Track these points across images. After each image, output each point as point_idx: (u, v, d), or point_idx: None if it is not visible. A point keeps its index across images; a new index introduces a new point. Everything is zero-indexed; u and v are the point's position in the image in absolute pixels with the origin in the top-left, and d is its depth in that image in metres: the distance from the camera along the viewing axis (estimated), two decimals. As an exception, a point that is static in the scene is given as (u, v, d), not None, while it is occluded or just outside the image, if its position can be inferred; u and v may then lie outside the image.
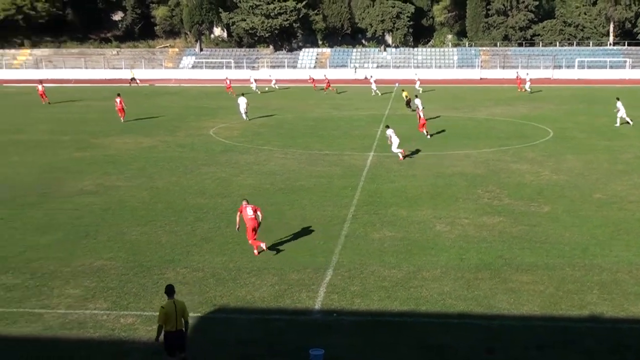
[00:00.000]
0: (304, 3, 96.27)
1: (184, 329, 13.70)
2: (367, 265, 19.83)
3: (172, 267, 19.72)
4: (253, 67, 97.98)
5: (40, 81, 68.29)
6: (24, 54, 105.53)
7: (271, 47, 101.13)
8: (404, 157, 35.08)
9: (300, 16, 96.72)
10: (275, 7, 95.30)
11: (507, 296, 17.65)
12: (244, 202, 21.05)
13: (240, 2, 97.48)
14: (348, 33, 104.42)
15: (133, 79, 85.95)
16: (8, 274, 19.10)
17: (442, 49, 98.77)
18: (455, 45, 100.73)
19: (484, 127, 46.34)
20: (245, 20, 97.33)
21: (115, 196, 27.89)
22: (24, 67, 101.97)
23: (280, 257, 20.51)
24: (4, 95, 71.00)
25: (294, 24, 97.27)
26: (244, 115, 50.35)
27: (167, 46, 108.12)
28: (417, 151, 36.82)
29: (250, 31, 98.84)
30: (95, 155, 37.03)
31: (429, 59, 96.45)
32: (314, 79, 77.35)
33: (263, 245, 20.60)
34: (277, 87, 77.43)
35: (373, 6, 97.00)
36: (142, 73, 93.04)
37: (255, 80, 75.57)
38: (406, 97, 56.41)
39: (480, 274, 19.15)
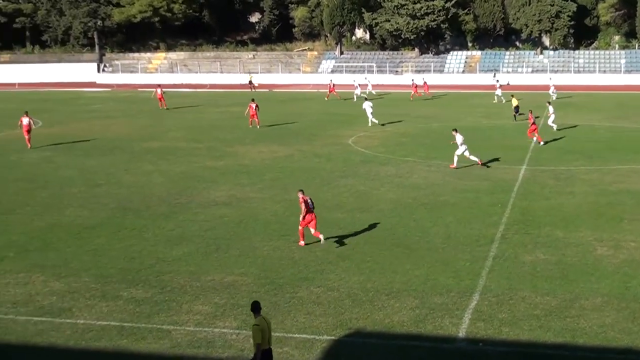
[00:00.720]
0: (453, 2, 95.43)
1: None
2: (517, 291, 19.39)
3: (306, 286, 19.99)
4: (396, 71, 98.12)
5: (159, 85, 71.26)
6: (159, 58, 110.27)
7: (416, 49, 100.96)
8: (482, 164, 35.92)
9: (448, 16, 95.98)
10: (422, 7, 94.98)
11: (679, 332, 16.78)
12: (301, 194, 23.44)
13: (384, 1, 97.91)
14: (500, 34, 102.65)
15: (250, 83, 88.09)
16: (138, 287, 19.97)
17: (607, 52, 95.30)
18: (622, 47, 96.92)
19: (656, 139, 44.35)
20: (389, 20, 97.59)
21: (248, 208, 28.63)
22: (159, 71, 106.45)
23: (422, 279, 20.39)
24: (139, 100, 74.48)
25: (441, 25, 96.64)
26: (373, 120, 51.64)
27: (305, 49, 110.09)
28: (495, 159, 35.70)
29: (394, 33, 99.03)
30: (229, 164, 38.18)
31: (592, 62, 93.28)
32: (416, 85, 76.50)
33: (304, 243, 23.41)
34: (374, 93, 77.12)
35: (529, 4, 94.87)
36: (279, 78, 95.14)
37: (361, 86, 75.64)
38: (515, 104, 54.85)
39: (648, 305, 18.32)
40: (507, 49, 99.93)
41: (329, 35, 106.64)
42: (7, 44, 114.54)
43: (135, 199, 30.25)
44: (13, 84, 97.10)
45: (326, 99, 73.03)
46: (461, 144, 35.89)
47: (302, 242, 23.51)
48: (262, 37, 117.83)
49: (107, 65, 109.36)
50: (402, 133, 48.80)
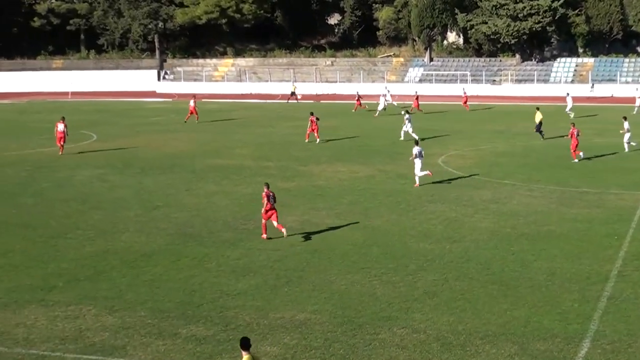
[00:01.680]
0: (561, 1, 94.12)
1: None
2: (638, 337, 18.93)
3: (388, 326, 19.88)
4: (494, 80, 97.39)
5: (194, 95, 72.50)
6: (227, 64, 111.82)
7: (517, 56, 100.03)
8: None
9: (556, 17, 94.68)
10: (525, 7, 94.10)
11: None
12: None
13: (480, 1, 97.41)
14: (618, 38, 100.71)
15: (293, 94, 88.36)
16: (199, 324, 20.16)
17: None
18: None
19: None
20: (486, 22, 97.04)
21: (324, 236, 28.67)
22: (226, 79, 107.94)
23: (522, 321, 20.07)
24: (203, 113, 75.46)
25: (547, 27, 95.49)
26: (410, 134, 52.31)
27: (390, 55, 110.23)
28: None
29: (492, 36, 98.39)
30: (302, 185, 38.38)
31: None
32: (466, 96, 76.59)
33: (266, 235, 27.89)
34: (395, 104, 77.13)
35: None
36: (361, 87, 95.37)
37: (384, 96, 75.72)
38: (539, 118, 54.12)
39: None
40: (625, 56, 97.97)
41: (417, 39, 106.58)
42: (60, 48, 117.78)
43: (197, 224, 30.62)
44: (66, 93, 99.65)
45: (354, 110, 73.64)
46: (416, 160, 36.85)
47: (264, 236, 28.08)
48: (342, 41, 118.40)
49: (169, 72, 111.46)
50: (500, 152, 48.31)
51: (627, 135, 47.69)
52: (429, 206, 33.38)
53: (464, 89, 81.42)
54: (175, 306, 21.42)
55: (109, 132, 60.76)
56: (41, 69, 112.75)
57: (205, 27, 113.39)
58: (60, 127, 48.68)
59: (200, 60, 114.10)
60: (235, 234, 29.01)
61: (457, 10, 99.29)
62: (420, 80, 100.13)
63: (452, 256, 25.80)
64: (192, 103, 67.91)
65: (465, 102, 76.03)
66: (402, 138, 53.44)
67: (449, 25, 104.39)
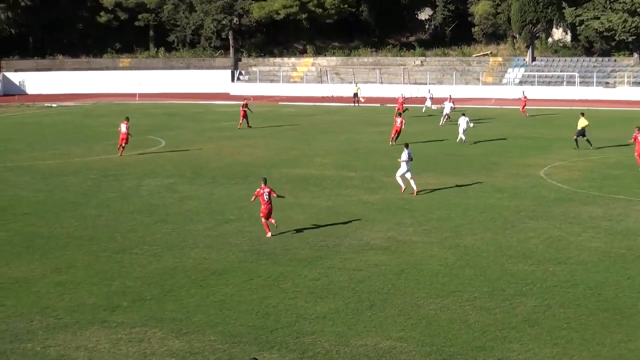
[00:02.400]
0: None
1: None
2: None
3: (482, 357, 19.72)
4: (607, 83, 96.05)
5: (245, 99, 73.11)
6: (306, 64, 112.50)
7: (635, 55, 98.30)
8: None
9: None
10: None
11: None
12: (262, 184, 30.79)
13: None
14: None
15: (356, 96, 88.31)
16: (273, 350, 20.27)
17: None
18: None
19: None
20: (598, 18, 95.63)
21: (411, 255, 28.58)
22: (305, 80, 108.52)
23: (639, 354, 19.70)
24: (281, 117, 76.07)
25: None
26: (462, 136, 56.02)
27: (487, 54, 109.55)
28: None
29: (605, 33, 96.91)
30: (389, 198, 38.31)
31: None
32: (526, 99, 76.89)
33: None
34: (434, 108, 77.69)
35: None
36: (454, 90, 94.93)
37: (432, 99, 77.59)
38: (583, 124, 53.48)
39: None
40: None
41: (517, 36, 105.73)
42: (128, 45, 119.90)
43: (272, 240, 30.80)
44: (133, 95, 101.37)
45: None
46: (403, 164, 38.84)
47: (268, 234, 30.82)
48: (433, 38, 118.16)
49: (243, 72, 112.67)
50: (613, 163, 47.58)
51: None
52: (529, 223, 33.01)
53: (523, 92, 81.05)
54: (248, 330, 21.55)
55: (178, 138, 61.62)
56: (107, 68, 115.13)
57: (284, 22, 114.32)
58: (123, 128, 49.96)
59: (278, 60, 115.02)
60: (313, 252, 29.09)
61: (564, 4, 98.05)
62: (521, 82, 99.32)
63: (556, 280, 25.46)
64: (243, 108, 68.37)
65: (524, 107, 75.92)
66: (464, 139, 56.43)
67: (554, 21, 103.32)
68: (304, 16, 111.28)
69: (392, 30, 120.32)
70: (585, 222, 33.03)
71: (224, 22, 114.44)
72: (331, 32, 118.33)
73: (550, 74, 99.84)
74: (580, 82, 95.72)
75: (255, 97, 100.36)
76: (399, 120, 56.24)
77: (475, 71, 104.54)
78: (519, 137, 58.13)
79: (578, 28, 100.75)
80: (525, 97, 77.34)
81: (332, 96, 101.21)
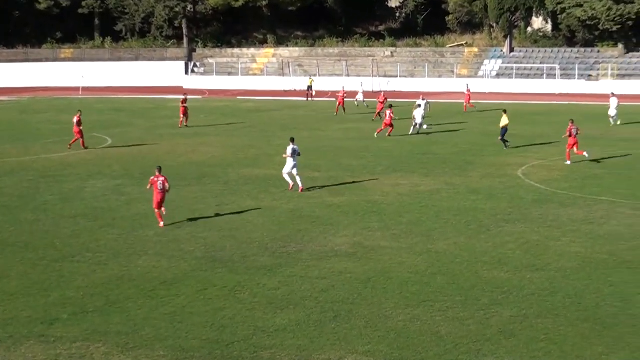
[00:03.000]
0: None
1: None
2: None
3: (454, 372, 19.82)
4: (589, 75, 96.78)
5: (185, 94, 71.17)
6: (266, 55, 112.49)
7: (620, 46, 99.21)
8: None
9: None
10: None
11: None
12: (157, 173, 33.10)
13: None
14: None
15: (310, 89, 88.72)
16: (228, 366, 20.25)
17: None
18: None
19: None
20: (581, 5, 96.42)
21: (378, 262, 28.60)
22: (266, 72, 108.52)
23: (618, 369, 19.89)
24: (239, 113, 75.88)
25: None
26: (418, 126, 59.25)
27: (461, 44, 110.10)
28: None
29: (588, 22, 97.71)
30: (354, 200, 38.36)
31: None
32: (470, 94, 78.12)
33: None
34: (366, 105, 78.78)
35: None
36: (426, 83, 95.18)
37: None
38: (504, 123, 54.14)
39: None
40: None
41: (494, 25, 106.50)
42: (71, 35, 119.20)
43: (228, 246, 30.73)
44: (77, 89, 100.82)
45: (335, 113, 74.62)
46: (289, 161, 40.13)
47: (161, 224, 33.24)
48: (404, 28, 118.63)
49: (198, 64, 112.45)
50: (595, 163, 47.85)
51: None
52: (505, 227, 33.17)
53: (467, 85, 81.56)
54: (201, 344, 21.48)
55: (126, 136, 61.38)
56: (47, 59, 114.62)
57: (242, 10, 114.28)
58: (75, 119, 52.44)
59: (236, 50, 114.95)
60: (274, 259, 29.05)
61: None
62: (498, 75, 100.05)
63: (534, 288, 25.58)
64: (183, 104, 66.74)
65: (469, 101, 77.02)
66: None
67: (534, 9, 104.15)
68: (264, 3, 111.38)
69: (359, 19, 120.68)
70: (565, 226, 33.21)
71: (176, 9, 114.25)
72: (294, 20, 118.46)
73: (529, 65, 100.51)
74: (561, 75, 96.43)
75: (211, 91, 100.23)
76: (388, 112, 58.99)
77: (449, 63, 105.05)
78: (495, 134, 58.43)
79: (559, 16, 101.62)
80: (469, 90, 78.24)
81: (295, 90, 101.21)
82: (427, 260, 28.71)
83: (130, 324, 22.87)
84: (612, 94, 69.35)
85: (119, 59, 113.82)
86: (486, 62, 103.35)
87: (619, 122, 66.06)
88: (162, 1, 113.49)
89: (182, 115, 67.05)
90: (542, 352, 20.81)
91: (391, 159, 49.68)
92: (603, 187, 40.71)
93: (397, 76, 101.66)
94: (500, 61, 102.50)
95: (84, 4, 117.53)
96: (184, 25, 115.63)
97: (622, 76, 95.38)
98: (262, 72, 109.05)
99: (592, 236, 31.62)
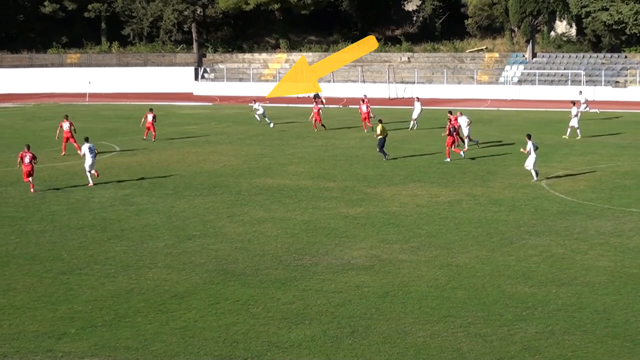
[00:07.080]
0: None
1: None
2: None
3: (477, 390, 19.78)
4: (616, 82, 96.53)
5: (151, 110, 65.11)
6: (279, 60, 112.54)
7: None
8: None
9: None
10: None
11: None
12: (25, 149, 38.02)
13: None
14: None
15: (317, 97, 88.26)
16: (242, 383, 20.26)
17: None
18: None
19: None
20: (607, 9, 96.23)
21: (397, 275, 28.60)
22: (278, 78, 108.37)
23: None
24: (251, 120, 75.88)
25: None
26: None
27: (481, 49, 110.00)
28: None
29: (614, 27, 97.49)
30: (371, 212, 38.35)
31: None
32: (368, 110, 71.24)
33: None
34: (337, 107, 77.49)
35: None
36: (443, 90, 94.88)
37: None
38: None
39: None
40: None
41: (516, 29, 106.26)
42: (77, 39, 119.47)
43: (241, 259, 30.77)
44: (83, 95, 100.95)
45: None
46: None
47: (32, 190, 41.09)
48: (422, 32, 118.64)
49: (208, 69, 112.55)
50: (624, 172, 47.76)
51: None
52: (529, 240, 33.11)
53: (365, 95, 75.76)
54: (213, 360, 21.53)
55: (134, 144, 61.48)
56: (52, 65, 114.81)
57: (254, 14, 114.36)
58: (65, 126, 52.43)
59: (247, 55, 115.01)
60: (288, 272, 29.07)
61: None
62: (520, 81, 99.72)
63: (560, 303, 25.54)
64: (150, 118, 63.11)
65: (368, 115, 68.41)
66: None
67: (558, 13, 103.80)
68: (276, 7, 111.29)
69: (375, 23, 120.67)
70: (592, 238, 33.13)
71: (186, 13, 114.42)
72: (307, 24, 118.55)
73: (552, 71, 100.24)
74: (586, 81, 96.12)
75: (222, 98, 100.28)
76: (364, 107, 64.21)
77: (468, 69, 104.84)
78: (518, 142, 58.30)
79: (584, 21, 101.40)
80: (367, 101, 70.13)
81: (309, 96, 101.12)
82: (448, 274, 28.69)
83: (140, 339, 22.91)
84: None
85: (127, 64, 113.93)
86: (507, 67, 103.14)
87: None
88: (170, 4, 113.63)
89: (150, 130, 63.36)
90: (569, 370, 20.81)
91: (409, 168, 49.63)
92: (632, 198, 40.57)
93: (414, 82, 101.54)
94: (522, 67, 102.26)
95: (90, 7, 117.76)
96: (193, 30, 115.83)
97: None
98: (275, 77, 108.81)
99: (621, 249, 31.53)
